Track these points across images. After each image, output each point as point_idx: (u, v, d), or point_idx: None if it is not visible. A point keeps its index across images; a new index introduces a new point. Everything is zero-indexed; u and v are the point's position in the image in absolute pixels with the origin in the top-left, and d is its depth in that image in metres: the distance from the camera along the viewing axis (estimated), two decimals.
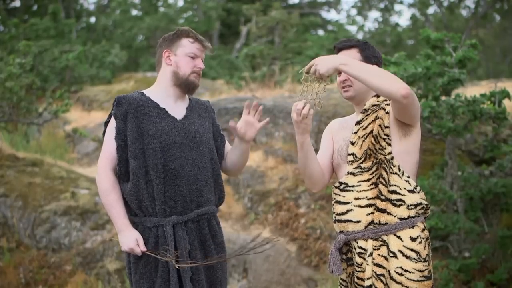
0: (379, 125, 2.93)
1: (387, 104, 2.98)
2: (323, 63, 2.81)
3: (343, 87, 3.02)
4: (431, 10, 27.48)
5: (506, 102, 6.35)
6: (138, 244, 3.05)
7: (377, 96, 3.04)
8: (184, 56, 3.16)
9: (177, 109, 3.21)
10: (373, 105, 3.01)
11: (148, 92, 3.23)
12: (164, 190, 3.08)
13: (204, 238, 3.16)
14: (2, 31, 20.06)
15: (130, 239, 3.06)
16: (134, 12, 26.57)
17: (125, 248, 3.07)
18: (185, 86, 3.18)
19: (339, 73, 3.02)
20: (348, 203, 2.96)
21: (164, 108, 3.16)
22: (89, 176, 8.67)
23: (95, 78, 16.70)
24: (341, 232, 3.00)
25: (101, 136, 11.43)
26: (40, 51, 15.40)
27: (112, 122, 3.14)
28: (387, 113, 2.95)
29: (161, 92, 3.21)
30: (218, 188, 3.27)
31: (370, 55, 3.02)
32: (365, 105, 3.03)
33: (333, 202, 3.05)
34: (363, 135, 2.96)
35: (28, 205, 7.89)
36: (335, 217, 3.03)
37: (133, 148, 3.07)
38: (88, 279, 7.03)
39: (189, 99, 3.31)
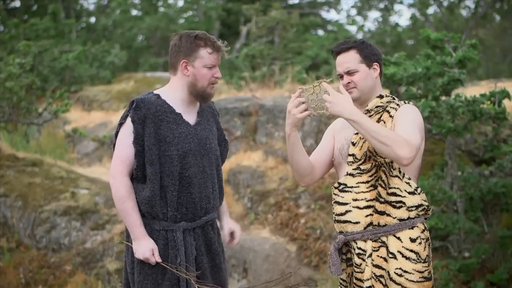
0: None
1: (392, 107, 2.97)
2: (337, 106, 2.78)
3: (347, 89, 2.98)
4: (431, 10, 27.47)
5: (506, 102, 6.34)
6: (153, 254, 3.05)
7: (381, 97, 3.03)
8: (202, 68, 3.09)
9: (190, 114, 3.18)
10: (377, 106, 3.00)
11: (163, 94, 3.16)
12: (178, 197, 3.07)
13: (210, 242, 3.19)
14: (2, 31, 20.07)
15: (146, 248, 3.04)
16: (134, 12, 26.56)
17: (139, 256, 3.05)
18: (201, 97, 3.15)
19: (341, 76, 3.02)
20: (346, 204, 2.96)
21: (180, 113, 3.13)
22: (89, 176, 8.67)
23: (95, 78, 16.68)
24: (341, 232, 3.00)
25: (101, 136, 11.30)
26: (40, 51, 15.39)
27: (129, 125, 3.07)
28: (391, 116, 2.93)
29: (177, 96, 3.15)
30: (221, 193, 3.29)
31: (369, 54, 3.00)
32: (367, 105, 3.02)
33: (332, 202, 3.06)
34: None
35: (28, 205, 7.90)
36: (334, 217, 3.03)
37: (149, 154, 3.03)
38: (88, 279, 7.03)
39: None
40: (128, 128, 3.07)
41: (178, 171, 3.06)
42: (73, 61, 15.74)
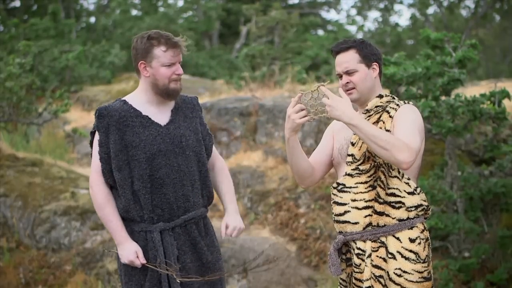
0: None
1: (391, 107, 2.96)
2: (336, 110, 2.77)
3: (347, 90, 2.97)
4: (431, 10, 27.50)
5: (506, 102, 6.34)
6: (138, 257, 3.06)
7: (380, 96, 3.02)
8: (159, 67, 3.08)
9: (161, 114, 3.17)
10: (376, 106, 2.99)
11: (130, 99, 3.18)
12: (151, 199, 3.08)
13: (195, 241, 3.15)
14: (2, 31, 20.07)
15: (130, 251, 3.07)
16: (134, 12, 26.58)
17: (124, 260, 3.08)
18: (166, 94, 3.13)
19: (341, 76, 3.01)
20: (345, 204, 2.95)
21: (147, 116, 3.12)
22: (89, 176, 8.67)
23: (95, 78, 16.69)
24: (340, 232, 3.00)
25: None
26: (40, 51, 15.39)
27: (96, 135, 3.14)
28: (390, 117, 2.92)
29: (143, 98, 3.16)
30: (206, 189, 3.24)
31: (368, 54, 2.98)
32: (367, 105, 3.02)
33: (332, 202, 3.05)
34: None
35: (28, 205, 7.90)
36: (334, 217, 3.03)
37: (116, 161, 3.06)
38: (88, 279, 7.03)
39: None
40: (96, 137, 3.15)
41: (148, 174, 3.06)
42: (73, 61, 15.75)
